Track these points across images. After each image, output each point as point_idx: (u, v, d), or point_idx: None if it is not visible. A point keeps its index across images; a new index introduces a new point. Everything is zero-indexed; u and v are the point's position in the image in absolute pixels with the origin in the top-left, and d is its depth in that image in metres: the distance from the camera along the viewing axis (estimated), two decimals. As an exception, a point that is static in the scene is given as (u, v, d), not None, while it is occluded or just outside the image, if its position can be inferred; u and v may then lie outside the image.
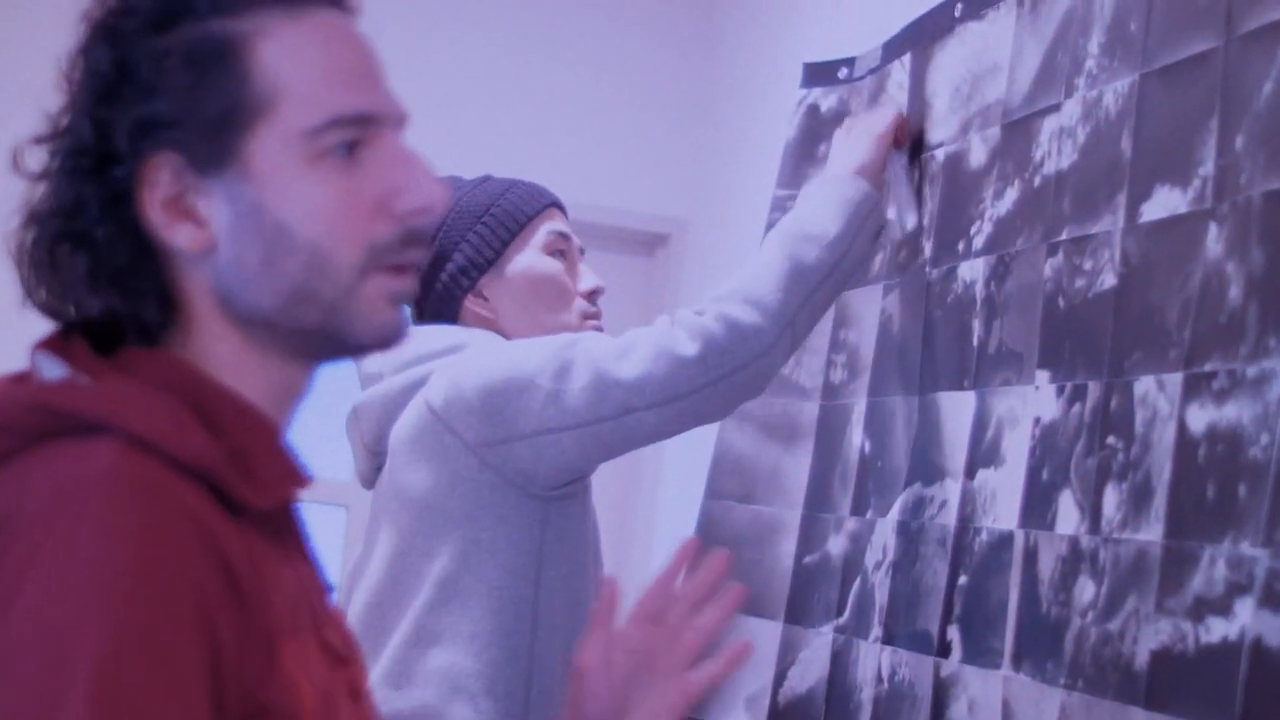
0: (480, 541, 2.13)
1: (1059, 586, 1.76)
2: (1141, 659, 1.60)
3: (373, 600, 2.21)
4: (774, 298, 2.08)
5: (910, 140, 2.30)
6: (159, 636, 1.06)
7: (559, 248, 2.36)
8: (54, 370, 1.18)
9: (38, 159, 1.23)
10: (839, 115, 2.51)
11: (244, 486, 1.17)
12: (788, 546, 2.44)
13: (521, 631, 2.13)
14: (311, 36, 1.22)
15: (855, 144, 2.26)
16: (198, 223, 1.20)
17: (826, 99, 2.54)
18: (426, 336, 2.26)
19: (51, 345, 1.21)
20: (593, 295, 2.38)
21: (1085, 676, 1.68)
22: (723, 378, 2.05)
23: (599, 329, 2.37)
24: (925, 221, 2.24)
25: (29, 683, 1.04)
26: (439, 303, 2.34)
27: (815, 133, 2.55)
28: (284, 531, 1.26)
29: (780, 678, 2.39)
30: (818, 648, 2.32)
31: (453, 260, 2.32)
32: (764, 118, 3.77)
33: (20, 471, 1.12)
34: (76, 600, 1.05)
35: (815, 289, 2.12)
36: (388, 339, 1.25)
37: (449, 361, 2.19)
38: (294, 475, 1.25)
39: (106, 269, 1.20)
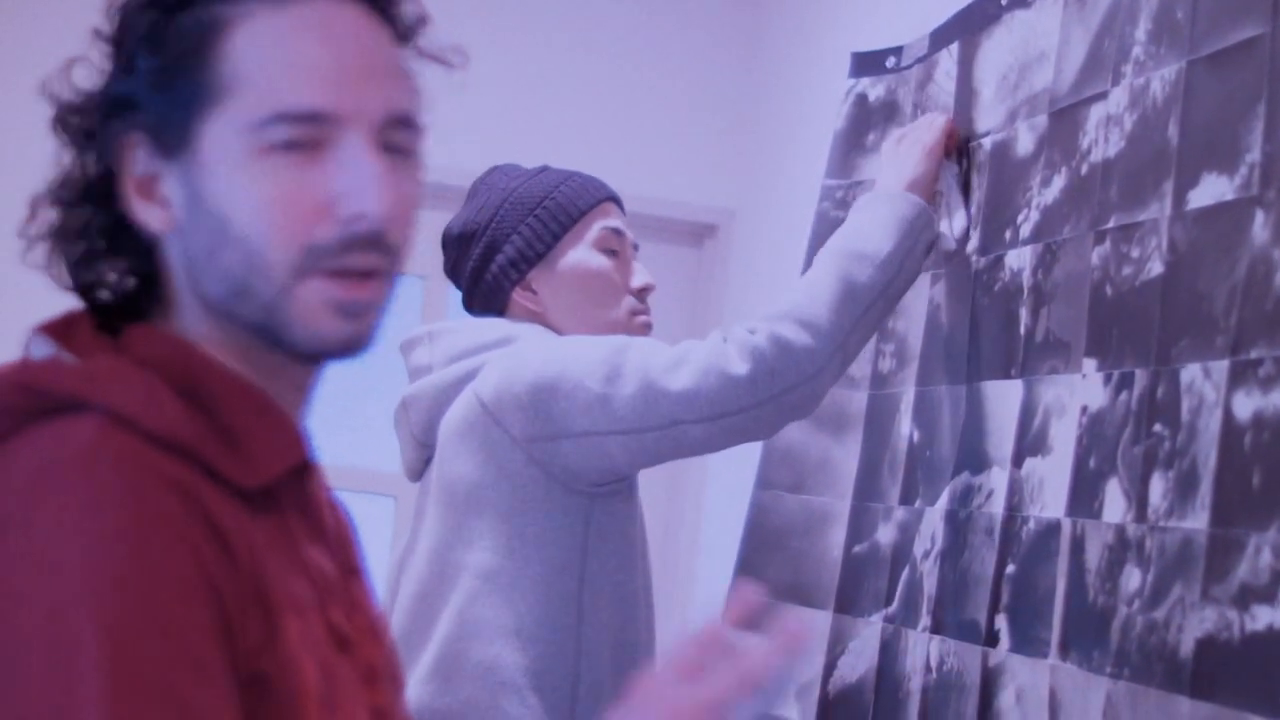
0: (525, 536, 2.14)
1: (1105, 575, 1.76)
2: (1187, 647, 1.60)
3: (418, 591, 2.23)
4: (826, 319, 2.07)
5: (960, 145, 2.29)
6: (162, 599, 1.07)
7: (611, 244, 2.35)
8: (42, 350, 1.19)
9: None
10: (887, 105, 2.51)
11: (230, 463, 1.17)
12: (837, 536, 2.44)
13: (566, 626, 2.14)
14: (286, 27, 1.20)
15: (905, 157, 2.24)
16: (162, 204, 1.21)
17: (874, 88, 2.54)
18: (476, 329, 2.27)
19: (51, 327, 1.23)
20: (643, 293, 2.37)
21: (1131, 665, 1.68)
22: (771, 398, 2.05)
23: (648, 326, 2.38)
24: (974, 217, 2.24)
25: (40, 666, 1.04)
26: (488, 293, 2.34)
27: (864, 122, 2.55)
28: (291, 510, 1.26)
29: (830, 667, 2.40)
30: (867, 637, 2.32)
31: (503, 252, 2.32)
32: (812, 107, 3.77)
33: (6, 455, 1.13)
34: (71, 579, 1.05)
35: (867, 309, 2.11)
36: (332, 349, 1.22)
37: (500, 354, 2.19)
38: (289, 453, 1.24)
39: (90, 242, 1.22)
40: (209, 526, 1.12)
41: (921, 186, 2.21)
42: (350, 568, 1.34)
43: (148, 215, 1.21)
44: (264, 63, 1.18)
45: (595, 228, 2.34)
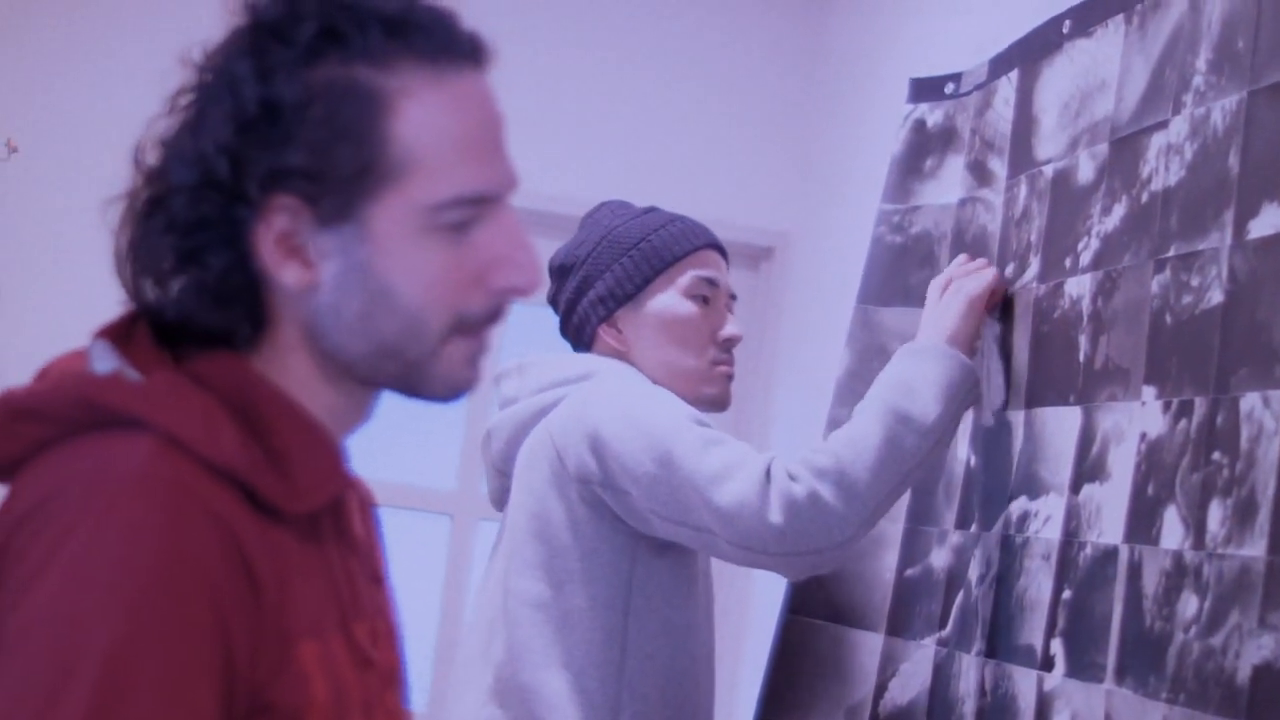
0: (571, 570, 2.19)
1: (1163, 601, 1.76)
2: (1244, 674, 1.60)
3: (484, 618, 2.28)
4: (865, 484, 2.06)
5: (1004, 299, 2.27)
6: (170, 635, 1.10)
7: (703, 292, 2.38)
8: (105, 363, 1.22)
9: (154, 153, 1.26)
10: (945, 130, 2.52)
11: (277, 490, 1.21)
12: (889, 560, 2.45)
13: (610, 661, 2.17)
14: (452, 105, 1.24)
15: (949, 308, 2.23)
16: (305, 264, 1.24)
17: (933, 114, 2.56)
18: (561, 364, 2.32)
19: (112, 333, 1.26)
20: (728, 343, 2.40)
21: (1187, 691, 1.69)
22: (798, 555, 2.06)
23: (728, 377, 2.41)
24: (1011, 384, 2.23)
25: (36, 667, 1.07)
26: (577, 326, 2.39)
27: (921, 148, 2.56)
28: (328, 529, 1.29)
29: (881, 689, 2.40)
30: (919, 660, 2.33)
31: (594, 289, 2.36)
32: (869, 131, 3.78)
33: (58, 460, 1.16)
34: (94, 594, 1.08)
35: (906, 476, 2.11)
36: (458, 394, 1.29)
37: (578, 390, 2.23)
38: (334, 481, 1.28)
39: (212, 288, 1.24)
40: (240, 563, 1.15)
41: (963, 341, 2.20)
42: (375, 574, 1.37)
43: (282, 271, 1.24)
44: (438, 145, 1.23)
45: (688, 275, 2.38)
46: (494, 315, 1.28)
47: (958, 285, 2.26)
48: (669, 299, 2.37)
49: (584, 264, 2.38)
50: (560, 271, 2.42)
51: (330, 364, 1.27)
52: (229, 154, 1.21)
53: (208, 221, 1.23)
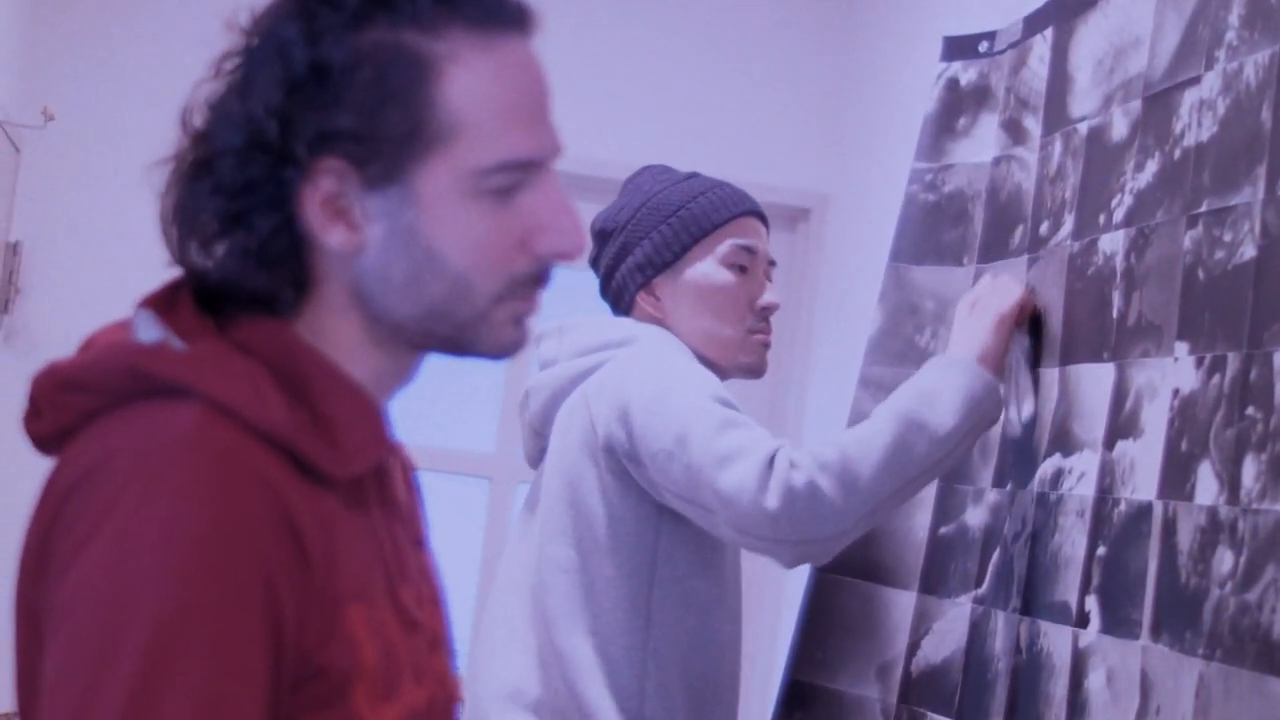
0: (599, 540, 2.21)
1: (1197, 557, 1.77)
2: (1279, 629, 1.60)
3: (519, 580, 2.29)
4: (867, 482, 2.07)
5: (1033, 317, 2.27)
6: (219, 601, 1.11)
7: (741, 260, 2.39)
8: (150, 332, 1.22)
9: (201, 117, 1.26)
10: (979, 89, 2.52)
11: (324, 455, 1.22)
12: (922, 518, 2.45)
13: (635, 630, 2.20)
14: (498, 70, 1.25)
15: (978, 325, 2.23)
16: (351, 226, 1.24)
17: (966, 73, 2.55)
18: (602, 327, 2.33)
19: (155, 302, 1.26)
20: (765, 311, 2.41)
21: (1224, 646, 1.69)
22: (789, 542, 2.07)
23: (765, 345, 2.42)
24: (1039, 401, 2.23)
25: (86, 635, 1.09)
26: (616, 291, 2.41)
27: (955, 106, 2.56)
28: (371, 493, 1.30)
29: (913, 647, 2.41)
30: (954, 618, 2.34)
31: (633, 255, 2.38)
32: (906, 91, 3.77)
33: (106, 429, 1.17)
34: (142, 561, 1.10)
35: (910, 481, 2.11)
36: (508, 353, 1.31)
37: (618, 354, 2.25)
38: (378, 446, 1.29)
39: (257, 250, 1.24)
40: (288, 528, 1.16)
41: (992, 359, 2.20)
42: (418, 538, 1.38)
43: (328, 233, 1.25)
44: (485, 110, 1.24)
45: (726, 243, 2.39)
46: (540, 279, 1.29)
47: (986, 303, 2.25)
48: (706, 267, 2.38)
49: (624, 229, 2.39)
50: (601, 235, 2.44)
51: (378, 327, 1.28)
52: (278, 116, 1.22)
53: (255, 184, 1.23)
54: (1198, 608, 1.75)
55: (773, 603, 4.31)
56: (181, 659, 1.08)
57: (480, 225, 1.25)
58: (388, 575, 1.28)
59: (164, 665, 1.08)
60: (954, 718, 2.29)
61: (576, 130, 4.56)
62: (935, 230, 2.51)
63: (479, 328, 1.28)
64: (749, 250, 2.40)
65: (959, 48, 2.59)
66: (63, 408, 1.21)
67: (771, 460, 2.08)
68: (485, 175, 1.24)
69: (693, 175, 2.46)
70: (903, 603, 2.45)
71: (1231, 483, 1.72)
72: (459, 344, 1.29)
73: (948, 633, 2.35)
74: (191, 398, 1.17)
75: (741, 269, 2.39)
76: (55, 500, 1.17)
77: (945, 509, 2.42)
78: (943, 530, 2.41)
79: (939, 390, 2.14)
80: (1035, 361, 2.26)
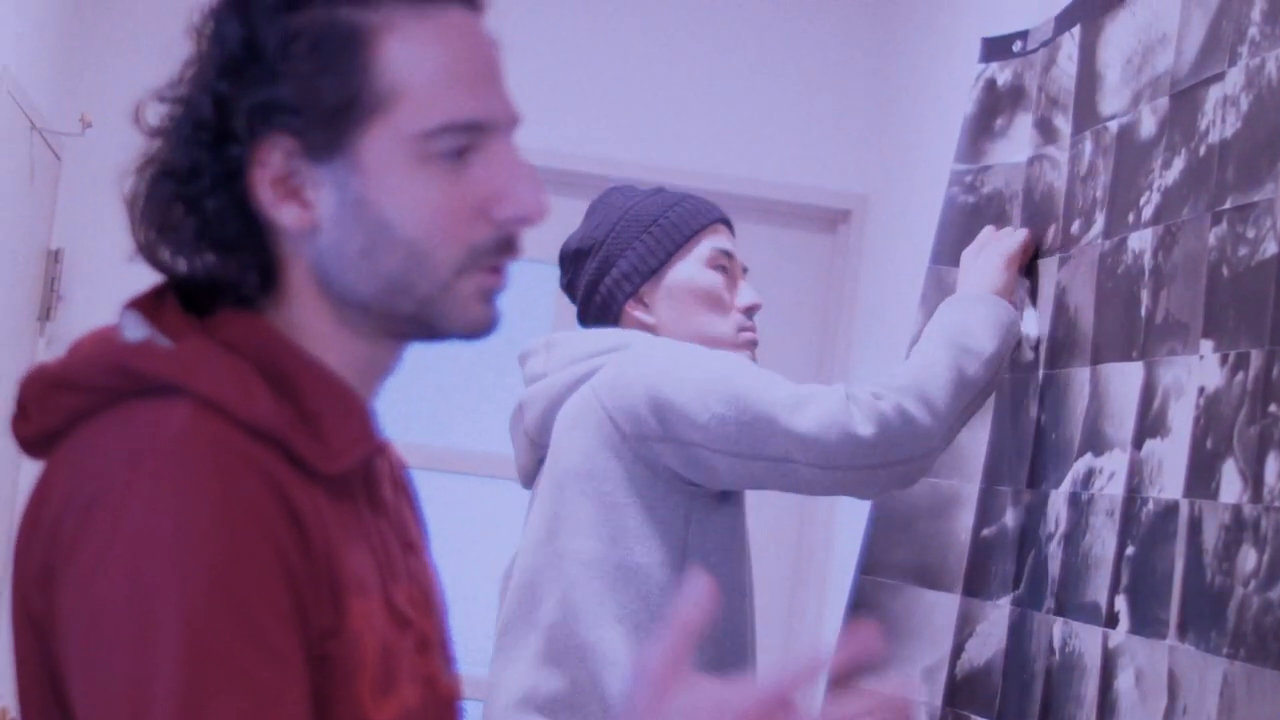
0: (628, 528, 2.21)
1: (1222, 555, 1.76)
2: (1301, 627, 1.59)
3: (525, 580, 2.30)
4: (944, 402, 2.17)
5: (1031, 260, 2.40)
6: (244, 587, 1.11)
7: (721, 263, 2.45)
8: (136, 331, 1.23)
9: (158, 113, 1.28)
10: (1014, 89, 2.51)
11: (312, 450, 1.22)
12: (965, 520, 2.45)
13: (667, 616, 2.19)
14: (436, 36, 1.24)
15: (987, 267, 2.34)
16: (303, 204, 1.25)
17: (1002, 73, 2.54)
18: (592, 337, 2.35)
19: (141, 304, 1.27)
20: (750, 311, 2.47)
21: (1247, 645, 1.68)
22: (886, 465, 2.14)
23: (753, 342, 2.47)
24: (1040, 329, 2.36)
25: (121, 642, 1.09)
26: (602, 305, 2.43)
27: (992, 107, 2.55)
28: (359, 491, 1.30)
29: (958, 650, 2.41)
30: (995, 620, 2.33)
31: (618, 266, 2.41)
32: (947, 92, 3.76)
33: (96, 431, 1.18)
34: (162, 559, 1.10)
35: (972, 401, 2.22)
36: (478, 331, 1.29)
37: (616, 358, 2.26)
38: (365, 441, 1.28)
39: (213, 235, 1.25)
40: (289, 513, 1.17)
41: (1003, 294, 2.31)
42: (409, 541, 1.38)
43: (282, 213, 1.25)
44: (424, 73, 1.23)
45: (705, 245, 2.45)
46: (503, 248, 1.27)
47: (993, 247, 2.37)
48: (692, 270, 2.43)
49: (603, 244, 2.43)
50: (576, 256, 2.47)
51: (346, 310, 1.27)
52: (212, 94, 1.24)
53: (200, 166, 1.24)
54: (1222, 607, 1.74)
55: (815, 606, 4.31)
56: (220, 645, 1.09)
57: (431, 192, 1.24)
58: (380, 573, 1.28)
59: (204, 654, 1.09)
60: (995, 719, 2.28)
61: (617, 133, 4.58)
62: (975, 232, 2.50)
63: (443, 302, 1.26)
64: (727, 254, 2.46)
65: (996, 48, 2.58)
66: (51, 409, 1.22)
67: (848, 395, 2.15)
68: (428, 139, 1.23)
69: (660, 189, 2.53)
70: (946, 605, 2.45)
71: (1255, 481, 1.71)
72: (425, 322, 1.27)
73: (990, 635, 2.34)
74: (180, 395, 1.17)
75: (723, 270, 2.45)
76: (55, 509, 1.17)
77: (987, 511, 2.41)
78: (985, 532, 2.40)
79: (971, 321, 2.25)
80: (1033, 299, 2.39)
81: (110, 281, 4.36)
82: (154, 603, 1.10)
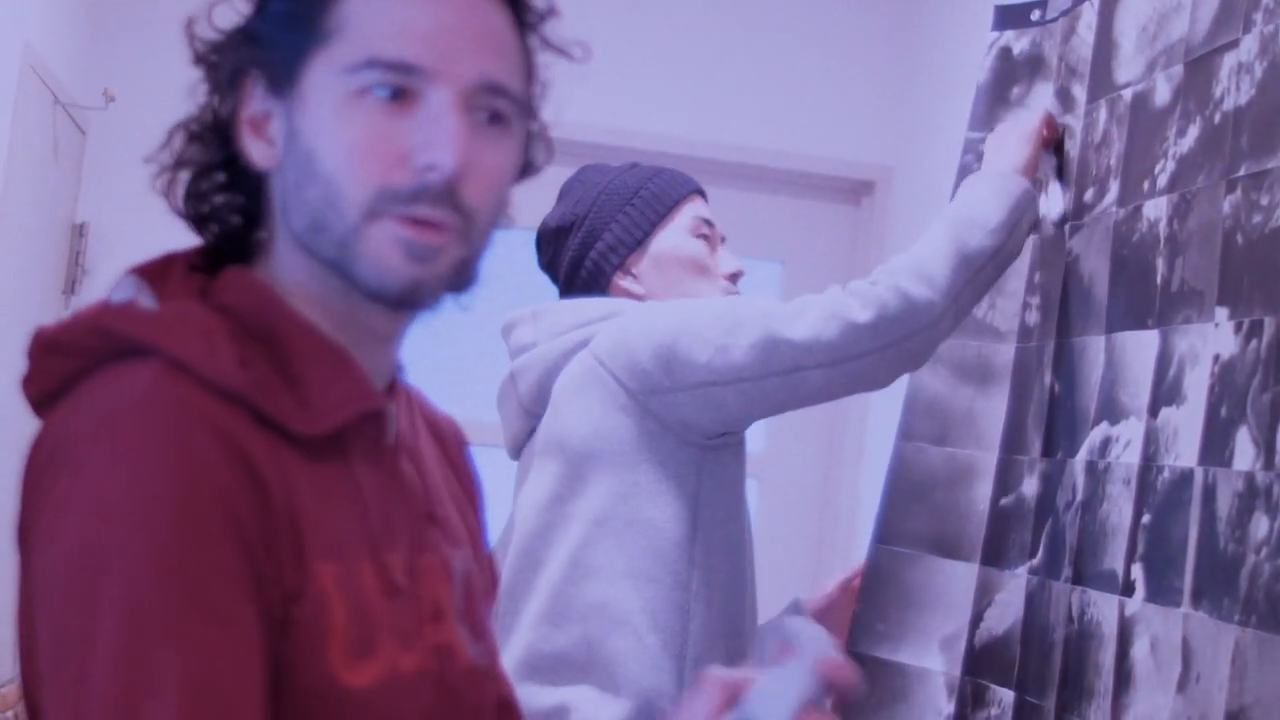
0: (639, 484, 2.22)
1: (1235, 523, 1.76)
2: (1312, 594, 1.59)
3: (524, 546, 2.30)
4: (942, 274, 2.17)
5: (1057, 137, 2.39)
6: (192, 548, 1.12)
7: (703, 231, 2.48)
8: (123, 293, 1.26)
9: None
10: (1032, 58, 2.51)
11: (285, 410, 1.22)
12: (983, 490, 2.45)
13: (679, 571, 2.21)
14: None
15: (1008, 143, 2.35)
16: (269, 141, 1.28)
17: (1019, 41, 2.54)
18: (582, 306, 2.36)
19: (146, 268, 1.29)
20: (733, 278, 2.50)
21: (1259, 613, 1.68)
22: (892, 344, 2.14)
23: None
24: (1068, 202, 2.34)
25: (69, 598, 1.11)
26: (588, 279, 2.44)
27: (1008, 76, 2.54)
28: (358, 457, 1.30)
29: (977, 619, 2.41)
30: (1013, 590, 2.33)
31: (602, 239, 2.44)
32: (970, 61, 3.74)
33: (80, 394, 1.20)
34: (112, 520, 1.12)
35: (978, 271, 2.21)
36: (397, 289, 1.26)
37: (611, 324, 2.27)
38: (355, 403, 1.29)
39: (208, 178, 1.30)
40: (248, 475, 1.17)
41: (1025, 170, 2.31)
42: (429, 512, 1.39)
43: (255, 151, 1.29)
44: (370, 14, 1.25)
45: (687, 214, 2.48)
46: (417, 196, 1.24)
47: (1014, 125, 2.39)
48: (676, 238, 2.46)
49: (585, 219, 2.45)
50: (557, 233, 2.48)
51: (302, 257, 1.29)
52: (215, 47, 1.30)
53: (204, 115, 1.31)
54: (1235, 574, 1.74)
55: (829, 579, 4.31)
56: (162, 604, 1.10)
57: (354, 129, 1.24)
58: (370, 538, 1.28)
59: (145, 612, 1.10)
60: (1014, 689, 2.28)
61: (640, 107, 4.57)
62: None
63: (355, 245, 1.25)
64: (708, 222, 2.49)
65: (1011, 16, 2.57)
66: (45, 371, 1.24)
67: (844, 288, 2.18)
68: (355, 71, 1.24)
69: (634, 164, 2.55)
70: (965, 575, 2.45)
71: (1267, 447, 1.71)
72: (341, 264, 1.26)
73: (1009, 604, 2.34)
74: (151, 356, 1.19)
75: (704, 238, 2.48)
76: (35, 470, 1.20)
77: (1005, 480, 2.41)
78: (1003, 502, 2.40)
79: (977, 196, 2.27)
80: (1061, 174, 2.39)
81: (135, 255, 4.34)
82: (100, 560, 1.11)
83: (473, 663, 1.39)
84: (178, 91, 1.33)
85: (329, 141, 1.24)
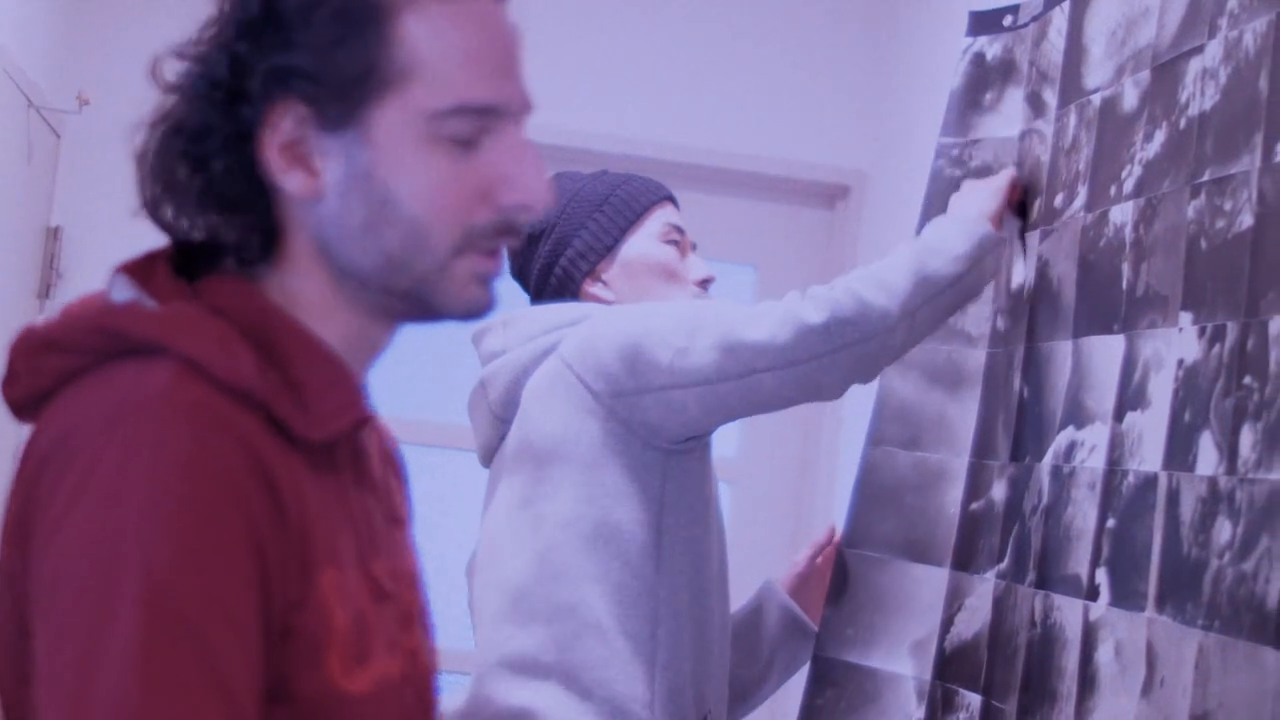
0: (605, 487, 2.22)
1: (1199, 528, 1.76)
2: (1273, 599, 1.59)
3: (493, 546, 2.30)
4: (901, 287, 2.17)
5: (1021, 201, 2.40)
6: (207, 551, 1.11)
7: (673, 238, 2.48)
8: (123, 293, 1.25)
9: (174, 71, 1.29)
10: (1004, 64, 2.51)
11: (295, 416, 1.22)
12: (954, 494, 2.45)
13: (645, 575, 2.21)
14: (457, 18, 1.25)
15: (976, 195, 2.35)
16: (310, 172, 1.25)
17: (992, 47, 2.54)
18: (551, 311, 2.36)
19: (132, 268, 1.28)
20: (704, 284, 2.50)
21: (1222, 617, 1.68)
22: (843, 347, 2.14)
23: None
24: (1029, 277, 2.35)
25: (82, 594, 1.10)
26: (559, 286, 2.45)
27: (981, 81, 2.55)
28: (344, 462, 1.30)
29: (947, 624, 2.41)
30: (982, 594, 2.33)
31: (572, 246, 2.44)
32: (945, 66, 3.75)
33: (81, 391, 1.19)
34: (129, 518, 1.10)
35: (937, 294, 2.20)
36: (472, 313, 1.30)
37: (579, 329, 2.27)
38: (351, 410, 1.29)
39: (218, 195, 1.26)
40: (265, 482, 1.17)
41: (991, 220, 2.31)
42: (395, 516, 1.39)
43: (288, 179, 1.26)
44: (442, 54, 1.24)
45: (657, 220, 2.48)
46: (501, 232, 1.28)
47: (982, 183, 2.39)
48: (646, 244, 2.46)
49: (556, 227, 2.45)
50: (527, 242, 2.49)
51: (345, 283, 1.29)
52: (229, 54, 1.25)
53: (212, 125, 1.26)
54: (1198, 579, 1.74)
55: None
56: (178, 608, 1.09)
57: (438, 172, 1.25)
58: (358, 545, 1.29)
59: (161, 616, 1.09)
60: (981, 694, 2.29)
61: (614, 110, 4.56)
62: (964, 206, 2.49)
63: (439, 282, 1.27)
64: (678, 229, 2.49)
65: (984, 22, 2.58)
66: (39, 370, 1.23)
67: (802, 293, 2.19)
68: (441, 119, 1.24)
69: (604, 171, 2.55)
70: (935, 579, 2.45)
71: (1230, 452, 1.72)
72: (421, 300, 1.29)
73: (977, 609, 2.35)
74: (164, 356, 1.18)
75: (675, 244, 2.48)
76: (33, 467, 1.18)
77: (976, 485, 2.42)
78: (973, 506, 2.41)
79: (942, 231, 2.27)
80: (1023, 234, 2.39)
81: (109, 258, 4.33)
82: (117, 552, 1.10)
83: (431, 665, 1.40)
84: (152, 96, 1.32)
85: (411, 185, 1.25)
